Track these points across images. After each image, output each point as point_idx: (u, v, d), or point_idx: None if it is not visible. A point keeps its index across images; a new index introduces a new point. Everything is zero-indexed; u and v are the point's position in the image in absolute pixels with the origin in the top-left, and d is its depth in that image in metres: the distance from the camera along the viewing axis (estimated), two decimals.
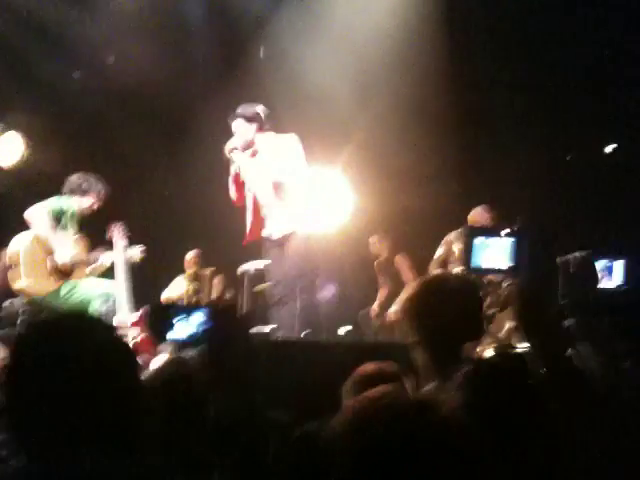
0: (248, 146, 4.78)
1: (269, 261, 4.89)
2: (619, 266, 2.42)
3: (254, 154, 4.81)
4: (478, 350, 1.63)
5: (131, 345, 5.08)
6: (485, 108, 6.45)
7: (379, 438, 1.09)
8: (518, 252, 1.60)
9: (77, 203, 5.12)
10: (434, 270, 5.77)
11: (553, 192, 6.12)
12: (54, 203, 5.02)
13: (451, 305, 1.93)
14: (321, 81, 6.50)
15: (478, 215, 5.49)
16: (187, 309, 1.84)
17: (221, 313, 1.63)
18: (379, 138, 6.58)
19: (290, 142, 4.75)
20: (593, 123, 6.15)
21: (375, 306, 6.58)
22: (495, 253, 1.67)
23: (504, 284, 4.15)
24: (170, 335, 1.88)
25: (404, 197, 6.61)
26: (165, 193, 7.47)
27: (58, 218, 4.98)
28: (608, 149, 6.39)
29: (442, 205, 6.29)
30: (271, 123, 4.85)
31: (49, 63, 6.60)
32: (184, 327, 1.94)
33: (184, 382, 1.83)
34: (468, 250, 1.61)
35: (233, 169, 4.81)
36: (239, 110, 4.78)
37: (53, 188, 5.23)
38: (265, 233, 4.81)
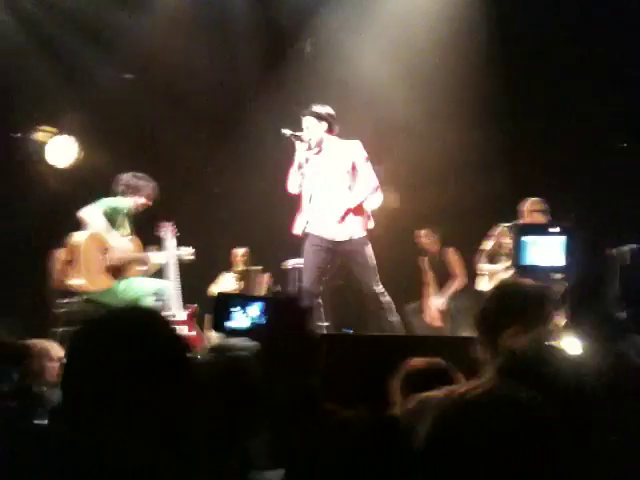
0: (316, 145, 4.82)
1: (305, 259, 4.89)
2: None
3: (318, 153, 4.85)
4: (515, 340, 1.62)
5: None
6: (534, 99, 6.35)
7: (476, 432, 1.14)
8: (568, 250, 1.59)
9: (130, 202, 5.22)
10: (482, 263, 5.74)
11: (603, 183, 5.99)
12: (109, 203, 5.11)
13: (521, 312, 1.97)
14: (367, 74, 6.50)
15: (529, 206, 5.42)
16: (245, 300, 1.86)
17: (282, 305, 1.65)
18: (427, 131, 6.55)
19: (358, 149, 4.81)
20: None
21: (425, 301, 6.57)
22: (544, 250, 1.67)
23: (557, 279, 4.10)
24: (228, 324, 1.92)
25: (451, 190, 6.57)
26: (215, 190, 7.56)
27: (113, 217, 5.08)
28: None
29: (490, 198, 6.24)
30: (341, 127, 4.90)
31: (100, 66, 6.74)
32: (242, 317, 1.98)
33: (238, 374, 1.85)
34: (517, 247, 1.62)
35: (297, 159, 4.84)
36: (312, 107, 4.83)
37: (106, 188, 5.34)
38: (320, 232, 4.82)
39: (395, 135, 6.66)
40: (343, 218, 4.74)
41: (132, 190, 5.21)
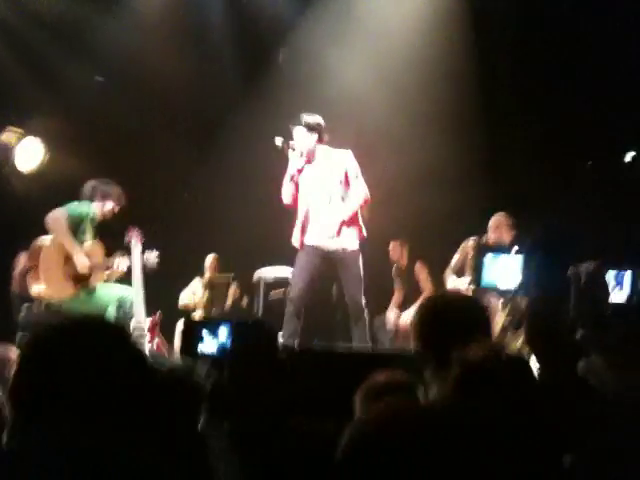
0: (307, 155, 4.84)
1: (297, 268, 4.89)
2: (628, 277, 2.42)
3: (310, 162, 4.87)
4: (470, 352, 1.63)
5: (147, 349, 5.13)
6: (510, 112, 6.43)
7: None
8: (526, 270, 1.61)
9: (97, 208, 5.17)
10: (449, 277, 5.76)
11: (572, 198, 6.07)
12: (74, 208, 5.06)
13: (455, 323, 1.98)
14: (344, 84, 6.53)
15: (495, 222, 5.46)
16: (214, 323, 1.88)
17: (246, 328, 1.65)
18: (400, 141, 6.58)
19: (350, 159, 4.84)
20: (615, 131, 6.10)
21: (390, 312, 6.57)
22: (506, 270, 1.69)
23: (516, 297, 4.13)
24: (200, 349, 1.93)
25: (425, 201, 6.60)
26: (184, 195, 7.51)
27: (77, 223, 5.03)
28: (628, 158, 6.34)
29: (463, 209, 6.28)
30: (329, 136, 4.92)
31: (71, 68, 6.66)
32: (213, 341, 2.00)
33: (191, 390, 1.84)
34: (479, 268, 1.64)
35: (290, 169, 4.85)
36: (302, 118, 4.83)
37: (73, 193, 5.28)
38: (314, 242, 4.83)
39: (374, 145, 6.68)
40: (339, 230, 4.78)
41: (99, 196, 5.16)
